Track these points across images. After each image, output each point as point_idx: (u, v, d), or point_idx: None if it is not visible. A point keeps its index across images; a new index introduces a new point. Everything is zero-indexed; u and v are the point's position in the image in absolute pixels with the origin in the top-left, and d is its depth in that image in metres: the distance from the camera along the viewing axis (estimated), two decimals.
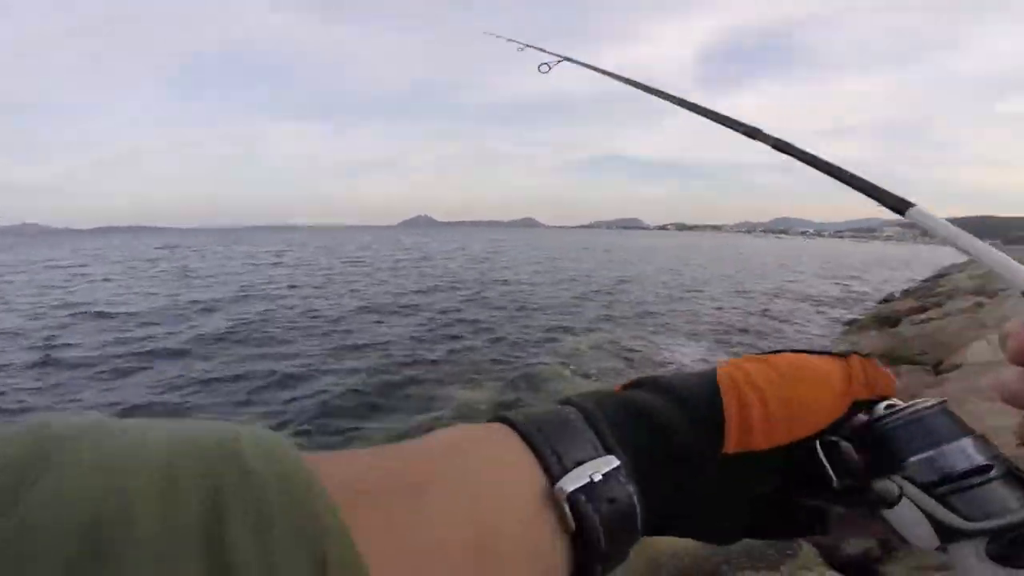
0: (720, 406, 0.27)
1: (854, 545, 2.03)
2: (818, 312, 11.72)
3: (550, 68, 1.07)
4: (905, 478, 0.28)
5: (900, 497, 0.28)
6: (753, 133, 0.50)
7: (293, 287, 14.53)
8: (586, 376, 6.38)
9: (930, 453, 0.27)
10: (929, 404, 0.29)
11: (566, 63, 1.00)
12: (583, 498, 0.22)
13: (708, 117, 0.53)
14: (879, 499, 0.28)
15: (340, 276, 17.80)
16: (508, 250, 38.49)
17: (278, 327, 8.73)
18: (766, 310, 11.74)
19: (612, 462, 0.24)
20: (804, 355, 0.30)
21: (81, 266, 24.62)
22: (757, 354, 0.31)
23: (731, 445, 0.27)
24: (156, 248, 41.81)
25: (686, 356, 7.43)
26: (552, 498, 0.22)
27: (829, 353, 0.30)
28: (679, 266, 25.46)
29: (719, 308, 11.88)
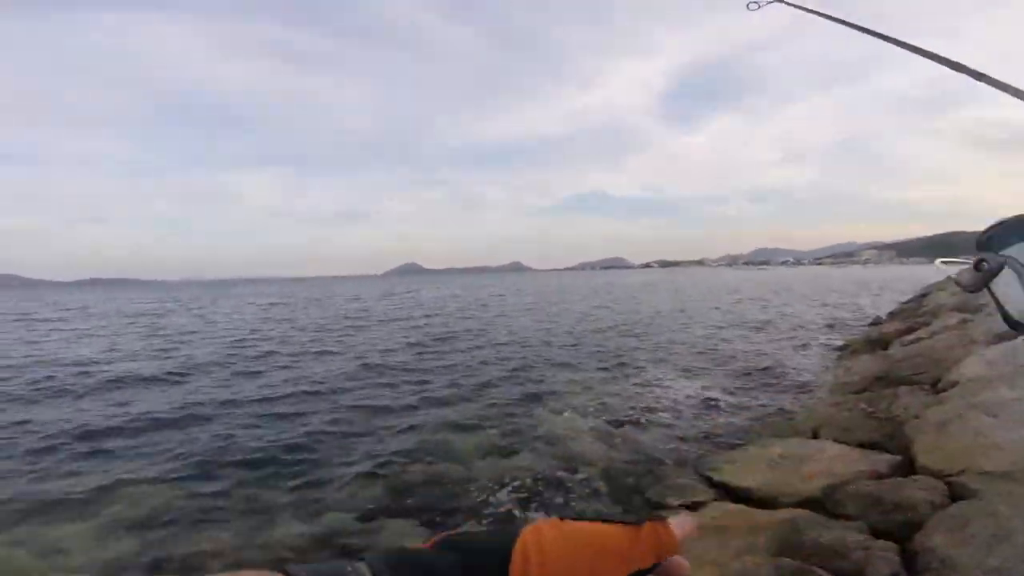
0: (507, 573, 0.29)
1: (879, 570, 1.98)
2: (811, 339, 11.83)
3: (760, 7, 1.09)
4: (1007, 256, 0.44)
5: (1003, 267, 0.44)
6: (979, 76, 0.57)
7: (283, 342, 14.23)
8: (595, 423, 6.32)
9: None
10: None
11: (777, 4, 1.00)
12: None
13: (936, 60, 0.59)
14: (990, 271, 0.44)
15: (333, 331, 17.23)
16: (502, 295, 38.53)
17: (274, 390, 8.31)
18: (761, 342, 11.85)
19: None
20: (598, 524, 0.34)
21: (59, 320, 24.09)
22: (562, 518, 0.34)
23: None
24: (142, 303, 41.03)
25: (685, 392, 7.45)
26: None
27: (624, 521, 0.34)
28: (670, 303, 25.64)
29: (717, 343, 11.95)
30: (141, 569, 3.51)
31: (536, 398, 7.36)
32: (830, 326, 14.24)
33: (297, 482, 4.77)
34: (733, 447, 5.02)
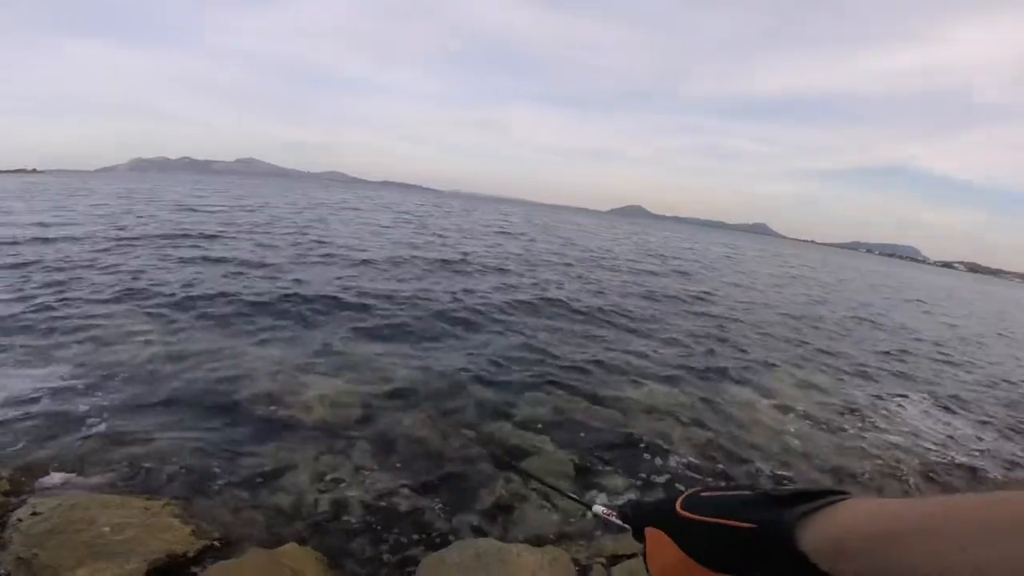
0: None
1: None
2: None
3: None
4: None
5: None
6: None
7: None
8: (798, 421, 5.33)
9: None
10: None
11: None
12: None
13: None
14: None
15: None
16: (749, 260, 34.80)
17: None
18: None
19: None
20: None
21: (362, 209, 30.58)
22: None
23: None
24: (420, 204, 49.06)
25: (940, 424, 6.21)
26: None
27: None
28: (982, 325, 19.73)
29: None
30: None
31: (745, 380, 6.60)
32: None
33: (487, 385, 5.30)
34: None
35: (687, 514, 0.50)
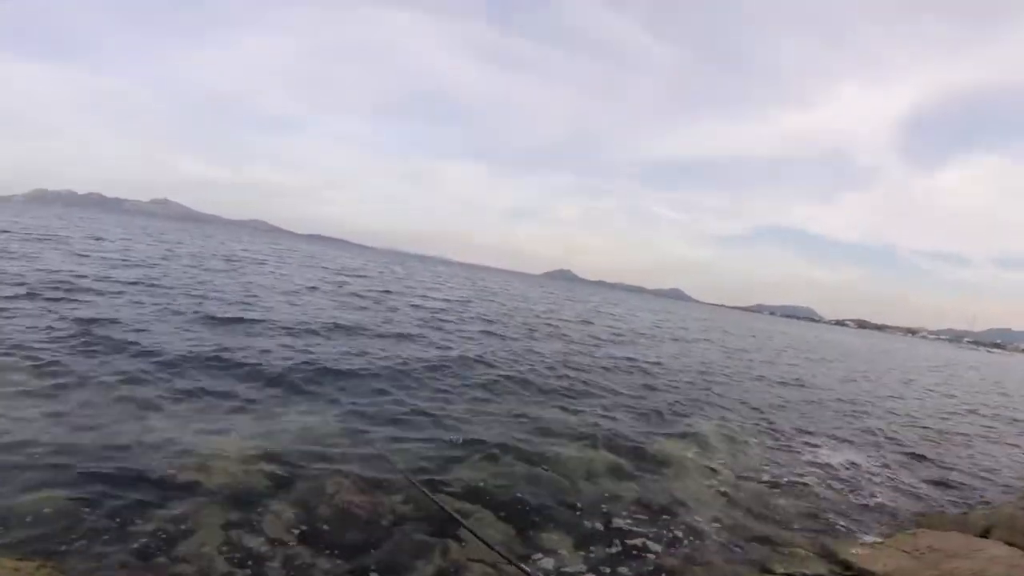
0: None
1: None
2: None
3: None
4: None
5: None
6: None
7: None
8: (723, 471, 5.71)
9: None
10: None
11: None
12: None
13: None
14: None
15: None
16: (689, 325, 36.48)
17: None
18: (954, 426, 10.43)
19: None
20: None
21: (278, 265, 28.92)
22: None
23: None
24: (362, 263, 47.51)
25: (843, 462, 6.82)
26: None
27: None
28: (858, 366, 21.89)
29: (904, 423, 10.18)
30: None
31: (667, 429, 6.90)
32: None
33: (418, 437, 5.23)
34: (874, 530, 4.67)
35: None
